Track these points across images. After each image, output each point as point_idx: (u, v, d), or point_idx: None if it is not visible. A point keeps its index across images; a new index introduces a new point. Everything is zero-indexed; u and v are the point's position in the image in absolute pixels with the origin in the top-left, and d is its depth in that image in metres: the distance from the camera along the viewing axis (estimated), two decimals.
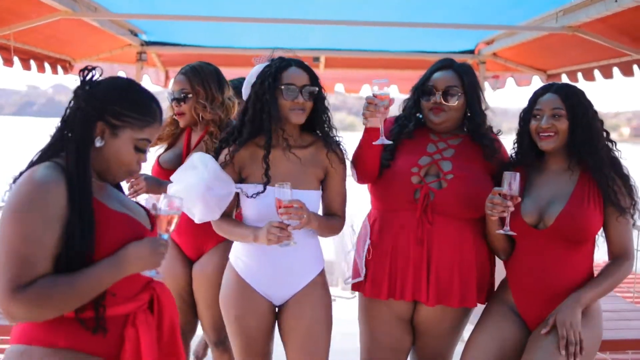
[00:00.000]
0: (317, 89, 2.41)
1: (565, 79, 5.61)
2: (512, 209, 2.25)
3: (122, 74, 6.30)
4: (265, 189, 2.37)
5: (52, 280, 1.59)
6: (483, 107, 2.58)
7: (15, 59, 4.66)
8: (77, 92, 1.74)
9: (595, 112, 2.38)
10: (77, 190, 1.63)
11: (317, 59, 6.00)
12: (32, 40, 4.72)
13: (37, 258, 1.59)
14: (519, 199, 2.27)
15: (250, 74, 2.51)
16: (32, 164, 1.70)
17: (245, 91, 2.50)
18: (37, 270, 1.59)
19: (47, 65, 5.25)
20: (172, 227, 1.77)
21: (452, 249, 2.43)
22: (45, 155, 1.72)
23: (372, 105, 2.31)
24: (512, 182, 2.23)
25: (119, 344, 1.70)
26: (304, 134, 2.51)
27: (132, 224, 1.75)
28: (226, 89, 2.97)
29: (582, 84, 5.39)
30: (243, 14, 4.53)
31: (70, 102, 1.75)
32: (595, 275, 2.38)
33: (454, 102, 2.50)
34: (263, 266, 2.43)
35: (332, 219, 2.51)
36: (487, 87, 6.23)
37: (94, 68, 1.75)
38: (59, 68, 5.53)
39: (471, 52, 5.95)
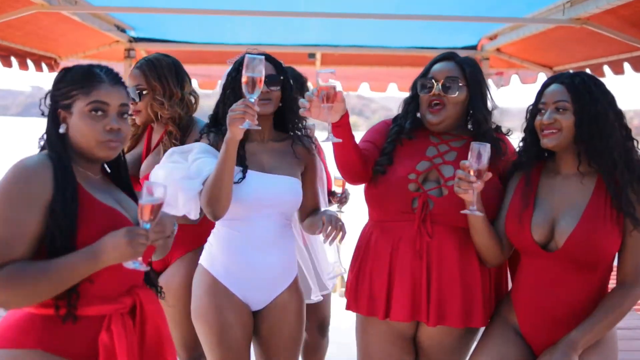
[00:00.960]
0: (280, 77, 2.35)
1: None
2: (477, 185, 1.98)
3: None
4: (244, 175, 2.27)
5: (26, 264, 1.58)
6: (489, 105, 2.32)
7: None
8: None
9: (610, 105, 2.06)
10: (61, 178, 1.64)
11: (312, 56, 5.88)
12: (9, 36, 4.54)
13: (15, 241, 1.58)
14: (490, 175, 1.99)
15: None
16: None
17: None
18: (14, 254, 1.58)
19: (29, 63, 5.09)
20: (156, 217, 1.66)
21: (455, 264, 2.18)
22: (41, 150, 1.76)
23: (315, 98, 2.05)
24: (479, 154, 1.96)
25: (92, 348, 1.64)
26: (277, 131, 2.44)
27: (117, 217, 1.71)
28: (186, 83, 2.73)
29: None
30: (234, 6, 4.35)
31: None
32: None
33: (454, 94, 2.25)
34: (242, 268, 2.31)
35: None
36: (490, 84, 5.99)
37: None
38: (44, 65, 5.37)
39: (474, 47, 5.78)
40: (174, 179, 2.21)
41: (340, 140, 2.12)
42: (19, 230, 1.58)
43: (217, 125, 2.38)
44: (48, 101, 1.75)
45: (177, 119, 2.64)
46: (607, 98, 2.06)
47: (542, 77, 5.88)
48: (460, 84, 2.25)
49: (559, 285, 2.06)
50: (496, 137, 2.28)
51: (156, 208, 1.66)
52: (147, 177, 2.48)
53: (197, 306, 2.33)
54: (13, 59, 4.76)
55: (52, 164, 1.64)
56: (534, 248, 2.08)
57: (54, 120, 1.73)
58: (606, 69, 4.86)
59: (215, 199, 2.16)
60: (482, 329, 2.30)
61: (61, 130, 1.71)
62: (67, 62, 5.69)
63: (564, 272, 2.06)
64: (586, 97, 2.03)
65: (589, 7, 3.68)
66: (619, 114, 2.08)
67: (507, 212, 2.17)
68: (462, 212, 2.05)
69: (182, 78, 2.69)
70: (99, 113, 1.70)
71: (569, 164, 2.11)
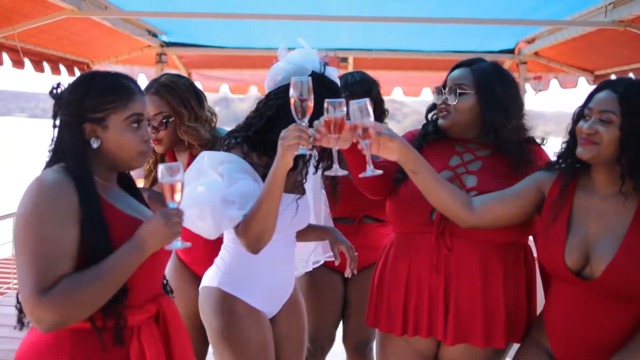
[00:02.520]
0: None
1: None
2: (367, 143, 1.84)
3: (142, 76, 6.21)
4: None
5: (77, 275, 1.58)
6: (509, 109, 2.18)
7: (26, 61, 4.54)
8: (54, 110, 1.71)
9: None
10: (84, 191, 1.63)
11: (344, 60, 5.82)
12: (42, 42, 4.59)
13: (58, 258, 1.57)
14: (370, 130, 1.83)
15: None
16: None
17: (269, 86, 2.27)
18: (60, 271, 1.57)
19: (62, 68, 5.15)
20: (179, 197, 1.68)
21: (474, 279, 2.06)
22: (51, 163, 1.71)
23: (322, 129, 1.90)
24: (359, 110, 1.81)
25: (123, 359, 1.66)
26: None
27: (138, 225, 1.69)
28: (204, 101, 2.62)
29: None
30: (265, 10, 4.35)
31: (54, 121, 1.73)
32: None
33: (454, 101, 2.17)
34: (261, 283, 2.25)
35: None
36: (528, 89, 5.90)
37: (58, 84, 1.73)
38: (77, 70, 5.42)
39: (511, 51, 5.70)
40: (213, 202, 2.04)
41: (346, 173, 1.99)
42: (60, 247, 1.58)
43: (258, 135, 2.21)
44: (65, 115, 1.68)
45: (205, 142, 2.54)
46: None
47: (582, 82, 5.73)
48: (464, 91, 2.16)
49: (594, 314, 1.91)
50: (520, 147, 2.15)
51: (181, 187, 1.68)
52: None
53: (230, 330, 2.20)
54: (45, 64, 4.81)
55: (73, 178, 1.63)
56: (567, 275, 1.93)
57: (78, 134, 1.67)
58: None
59: (267, 232, 2.05)
60: (509, 351, 2.20)
61: (95, 146, 1.68)
62: (99, 67, 5.74)
63: (600, 302, 1.89)
64: (635, 109, 1.83)
65: (633, 9, 3.54)
66: None
67: (541, 232, 2.00)
68: (360, 175, 1.92)
69: (200, 98, 2.58)
70: (136, 125, 1.70)
71: (608, 182, 1.92)
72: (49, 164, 1.69)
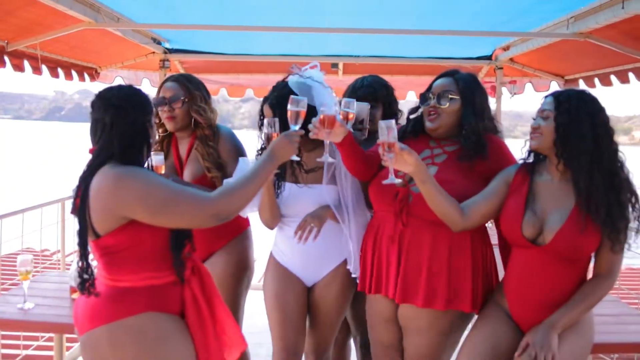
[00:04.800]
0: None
1: (582, 84, 5.63)
2: (392, 156, 2.27)
3: (146, 81, 6.52)
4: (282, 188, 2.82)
5: (231, 183, 2.15)
6: (483, 114, 2.60)
7: (44, 67, 4.88)
8: (112, 117, 2.11)
9: (589, 117, 2.29)
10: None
11: (335, 65, 6.13)
12: (58, 50, 4.91)
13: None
14: (396, 145, 2.27)
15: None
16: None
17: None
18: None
19: (74, 73, 5.46)
20: (300, 123, 2.31)
21: (423, 251, 2.49)
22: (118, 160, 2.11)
23: (318, 124, 2.41)
24: (387, 130, 2.26)
25: (180, 303, 2.14)
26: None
27: None
28: (210, 99, 3.14)
29: (599, 88, 5.41)
30: (262, 23, 4.66)
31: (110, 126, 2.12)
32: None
33: (446, 105, 2.57)
34: (295, 252, 2.84)
35: None
36: (504, 92, 6.24)
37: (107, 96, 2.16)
38: (86, 75, 5.74)
39: (488, 57, 6.01)
40: None
41: (334, 161, 2.56)
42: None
43: None
44: (131, 123, 2.10)
45: (212, 124, 3.03)
46: (586, 111, 2.30)
47: (555, 85, 6.10)
48: (452, 97, 2.57)
49: (544, 274, 2.36)
50: (479, 140, 2.54)
51: (301, 114, 2.31)
52: (196, 181, 2.96)
53: (265, 285, 2.90)
54: (60, 70, 5.13)
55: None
56: (523, 242, 2.38)
57: (147, 132, 2.14)
58: (613, 78, 5.09)
59: (268, 221, 2.82)
60: (468, 320, 2.59)
61: (151, 140, 2.18)
62: (106, 72, 6.06)
63: (549, 264, 2.35)
64: (564, 107, 2.31)
65: (590, 23, 3.92)
66: (597, 126, 2.29)
67: (504, 210, 2.44)
68: (383, 182, 2.36)
69: (208, 94, 3.10)
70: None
71: (556, 168, 2.38)
72: (99, 164, 2.07)
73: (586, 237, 2.29)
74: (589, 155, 2.28)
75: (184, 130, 3.07)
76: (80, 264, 2.10)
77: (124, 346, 2.03)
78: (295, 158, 2.37)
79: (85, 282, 2.09)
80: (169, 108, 2.99)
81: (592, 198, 2.28)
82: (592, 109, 2.32)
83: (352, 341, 3.34)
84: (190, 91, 3.02)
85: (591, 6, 3.85)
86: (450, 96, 2.58)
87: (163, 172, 2.81)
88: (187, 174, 3.05)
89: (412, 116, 2.75)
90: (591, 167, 2.28)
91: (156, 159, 2.72)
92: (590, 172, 2.28)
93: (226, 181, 2.72)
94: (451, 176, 2.52)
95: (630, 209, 2.32)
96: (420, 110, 2.69)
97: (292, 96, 2.38)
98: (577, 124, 2.29)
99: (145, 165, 2.20)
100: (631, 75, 4.80)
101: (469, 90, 2.59)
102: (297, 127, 2.34)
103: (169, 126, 3.04)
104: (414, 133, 2.70)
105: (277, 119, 2.45)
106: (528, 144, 2.45)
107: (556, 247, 2.32)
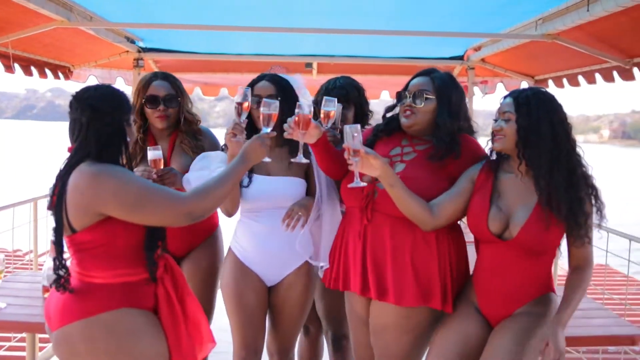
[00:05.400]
0: (278, 97, 2.66)
1: (551, 85, 5.74)
2: (357, 160, 2.33)
3: (120, 79, 6.50)
4: (251, 180, 2.80)
5: (203, 184, 2.17)
6: (458, 113, 2.61)
7: (17, 66, 4.84)
8: (88, 119, 2.14)
9: (548, 117, 2.33)
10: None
11: (309, 65, 6.14)
12: (30, 48, 4.87)
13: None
14: (361, 151, 2.33)
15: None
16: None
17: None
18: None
19: (48, 72, 5.41)
20: (271, 125, 2.36)
21: (385, 247, 2.52)
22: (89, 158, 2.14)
23: (293, 125, 2.46)
24: (352, 135, 2.32)
25: (154, 301, 2.18)
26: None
27: None
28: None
29: (567, 89, 5.54)
30: (237, 22, 4.67)
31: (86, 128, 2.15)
32: (551, 279, 2.49)
33: (421, 104, 2.59)
34: (258, 249, 2.82)
35: None
36: (476, 92, 6.33)
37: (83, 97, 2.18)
38: (60, 74, 5.70)
39: (460, 58, 6.08)
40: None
41: (308, 161, 2.60)
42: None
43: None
44: (108, 124, 2.13)
45: (200, 120, 3.13)
46: (545, 110, 2.35)
47: (525, 85, 6.19)
48: (427, 96, 2.59)
49: (510, 268, 2.43)
50: (452, 140, 2.55)
51: (273, 117, 2.37)
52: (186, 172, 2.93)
53: (223, 280, 2.88)
54: (33, 69, 5.08)
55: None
56: (490, 237, 2.44)
57: (123, 133, 2.18)
58: (580, 78, 5.19)
59: (228, 210, 2.80)
60: (434, 320, 2.57)
61: (130, 139, 2.21)
62: (80, 71, 6.01)
63: (515, 258, 2.41)
64: (524, 109, 2.35)
65: (558, 24, 4.03)
66: (556, 125, 2.35)
67: (470, 207, 2.49)
68: (349, 185, 2.44)
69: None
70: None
71: (519, 166, 2.42)
72: (77, 162, 2.10)
73: (550, 232, 2.35)
74: (549, 154, 2.34)
75: (167, 128, 3.10)
76: (55, 261, 2.13)
77: (97, 341, 2.07)
78: (267, 160, 2.40)
79: (60, 279, 2.11)
80: (163, 107, 3.02)
81: (553, 195, 2.34)
82: (550, 108, 2.37)
83: (323, 336, 3.39)
84: (182, 90, 3.09)
85: (558, 8, 3.95)
86: (425, 96, 2.59)
87: (162, 166, 2.83)
88: (175, 167, 3.07)
89: (388, 114, 2.78)
90: (551, 165, 2.33)
91: (154, 153, 2.77)
92: (550, 170, 2.34)
93: (186, 177, 2.79)
94: (417, 174, 2.54)
95: (591, 202, 2.39)
96: (396, 108, 2.72)
97: (264, 99, 2.43)
98: (537, 125, 2.33)
99: (138, 160, 2.35)
100: (598, 76, 4.91)
101: (444, 90, 2.60)
102: (268, 130, 2.39)
103: (160, 124, 3.06)
104: (387, 132, 2.72)
105: (249, 90, 2.52)
106: (490, 144, 2.50)
107: (522, 241, 2.38)
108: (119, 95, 2.20)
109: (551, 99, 2.41)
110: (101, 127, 2.12)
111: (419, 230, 2.51)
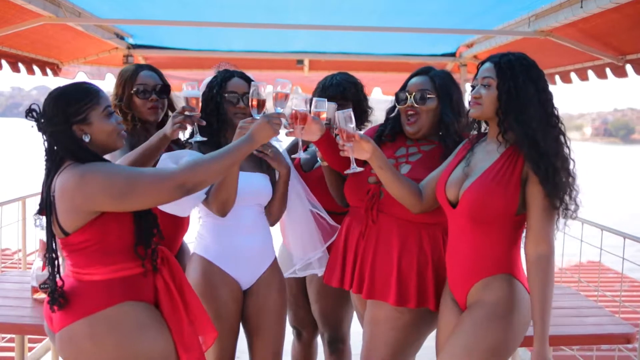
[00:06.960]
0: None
1: None
2: (350, 146, 2.31)
3: (109, 76, 6.44)
4: None
5: (200, 157, 2.11)
6: (460, 111, 2.57)
7: (4, 62, 4.79)
8: (39, 126, 2.09)
9: (532, 83, 2.16)
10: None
11: (300, 62, 6.15)
12: (18, 45, 4.81)
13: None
14: (357, 135, 2.30)
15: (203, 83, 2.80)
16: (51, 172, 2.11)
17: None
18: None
19: (35, 68, 5.35)
20: (283, 106, 2.30)
21: (392, 248, 2.49)
22: (57, 166, 2.09)
23: (290, 120, 2.39)
24: (345, 119, 2.29)
25: (154, 292, 2.18)
26: None
27: None
28: None
29: (559, 86, 5.52)
30: (228, 19, 4.63)
31: (43, 137, 2.11)
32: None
33: (424, 104, 2.55)
34: (231, 250, 2.65)
35: None
36: (468, 88, 6.28)
37: (31, 108, 2.09)
38: (48, 71, 5.64)
39: (453, 54, 6.08)
40: None
41: (308, 157, 2.61)
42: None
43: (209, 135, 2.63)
44: (55, 126, 2.05)
45: None
46: (530, 76, 2.17)
47: None
48: (430, 95, 2.54)
49: (464, 238, 2.26)
50: (461, 139, 2.49)
51: (282, 96, 2.30)
52: None
53: (197, 288, 2.57)
54: (20, 65, 5.03)
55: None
56: (444, 204, 2.31)
57: (72, 136, 2.07)
58: (573, 75, 5.19)
59: (230, 198, 2.54)
60: (430, 320, 2.51)
61: (87, 140, 2.09)
62: (68, 67, 5.95)
63: (463, 227, 2.25)
64: (507, 73, 2.16)
65: (551, 21, 4.00)
66: (541, 91, 2.17)
67: (440, 175, 2.37)
68: (346, 172, 2.41)
69: None
70: (109, 114, 2.13)
71: (492, 133, 2.27)
72: (56, 168, 2.08)
73: (498, 198, 2.15)
74: (539, 120, 2.16)
75: (156, 121, 3.01)
76: (49, 275, 2.11)
77: (104, 337, 2.06)
78: (276, 140, 2.34)
79: (54, 293, 2.08)
80: (155, 97, 2.90)
81: (543, 159, 2.13)
82: (534, 74, 2.21)
83: (319, 338, 3.35)
84: (168, 82, 2.99)
85: (551, 5, 3.93)
86: (427, 95, 2.55)
87: (196, 104, 2.56)
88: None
89: (390, 115, 2.73)
90: (545, 129, 2.16)
91: (190, 92, 2.52)
92: (544, 134, 2.16)
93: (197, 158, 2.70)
94: (423, 175, 2.48)
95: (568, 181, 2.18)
96: (396, 110, 2.68)
97: (278, 79, 2.37)
98: (524, 91, 2.16)
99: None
100: (590, 73, 4.90)
101: (445, 88, 2.56)
102: (280, 110, 2.32)
103: (153, 116, 2.93)
104: (391, 137, 2.67)
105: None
106: (470, 110, 2.31)
107: (465, 206, 2.21)
108: (67, 95, 2.10)
109: (534, 64, 2.25)
110: (54, 131, 2.07)
111: (425, 232, 2.48)
